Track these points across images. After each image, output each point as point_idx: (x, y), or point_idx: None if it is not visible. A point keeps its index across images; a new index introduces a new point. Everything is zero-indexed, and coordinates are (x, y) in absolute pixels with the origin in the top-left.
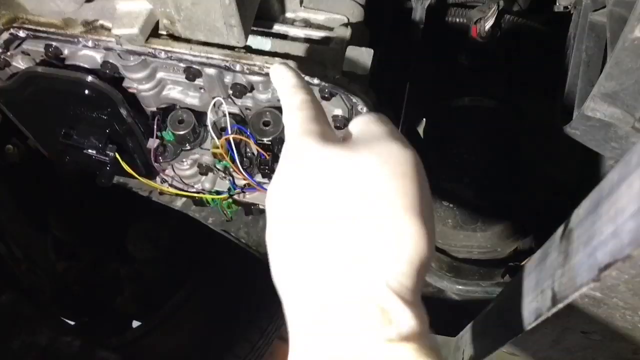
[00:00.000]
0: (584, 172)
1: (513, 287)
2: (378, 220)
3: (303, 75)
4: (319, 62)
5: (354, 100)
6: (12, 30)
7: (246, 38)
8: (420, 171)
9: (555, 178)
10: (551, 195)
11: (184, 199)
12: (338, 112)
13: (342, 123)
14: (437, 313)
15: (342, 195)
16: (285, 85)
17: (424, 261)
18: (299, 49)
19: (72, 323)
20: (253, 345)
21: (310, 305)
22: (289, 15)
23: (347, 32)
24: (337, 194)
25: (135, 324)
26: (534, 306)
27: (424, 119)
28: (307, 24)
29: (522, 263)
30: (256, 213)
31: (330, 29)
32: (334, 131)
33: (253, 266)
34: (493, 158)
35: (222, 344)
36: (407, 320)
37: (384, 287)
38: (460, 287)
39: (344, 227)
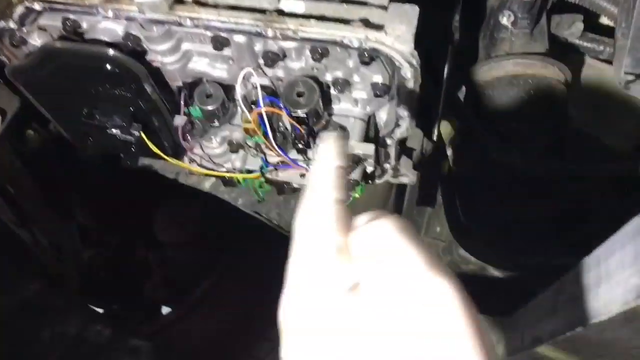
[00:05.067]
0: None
1: (594, 261)
2: None
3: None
4: (359, 22)
5: (397, 64)
6: (26, 3)
7: None
8: (470, 314)
9: (610, 144)
10: (606, 161)
11: (212, 180)
12: (378, 78)
13: (382, 91)
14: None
15: None
16: (324, 170)
17: None
18: (335, 10)
19: (101, 311)
20: None
21: None
22: None
23: None
24: None
25: (165, 309)
26: (633, 283)
27: (464, 86)
28: None
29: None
30: (289, 192)
31: None
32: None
33: (285, 247)
34: (543, 125)
35: (255, 327)
36: None
37: None
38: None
39: None
